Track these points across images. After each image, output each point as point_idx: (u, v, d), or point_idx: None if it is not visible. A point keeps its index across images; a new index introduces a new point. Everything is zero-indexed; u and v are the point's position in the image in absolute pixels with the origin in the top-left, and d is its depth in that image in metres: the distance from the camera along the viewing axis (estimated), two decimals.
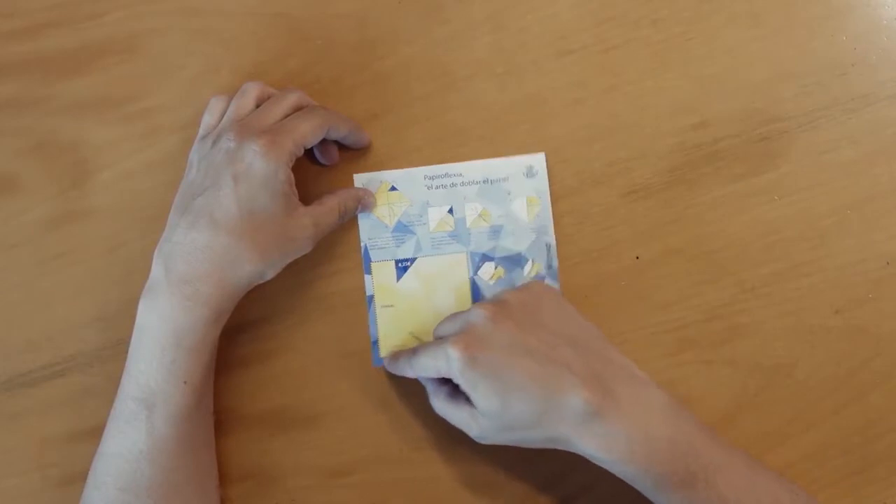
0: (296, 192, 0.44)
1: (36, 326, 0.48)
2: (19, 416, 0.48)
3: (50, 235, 0.49)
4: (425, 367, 0.42)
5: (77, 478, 0.46)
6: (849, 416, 0.48)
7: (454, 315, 0.44)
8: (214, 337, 0.43)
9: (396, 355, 0.46)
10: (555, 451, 0.47)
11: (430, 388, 0.44)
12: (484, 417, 0.41)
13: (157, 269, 0.42)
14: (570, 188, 0.50)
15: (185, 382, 0.41)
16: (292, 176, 0.43)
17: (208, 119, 0.47)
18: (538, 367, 0.40)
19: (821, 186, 0.50)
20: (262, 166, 0.41)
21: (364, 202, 0.48)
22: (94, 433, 0.47)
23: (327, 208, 0.46)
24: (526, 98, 0.51)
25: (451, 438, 0.47)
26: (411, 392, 0.48)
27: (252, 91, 0.46)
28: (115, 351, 0.48)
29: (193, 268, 0.41)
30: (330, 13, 0.52)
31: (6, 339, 0.48)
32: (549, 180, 0.50)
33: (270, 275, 0.43)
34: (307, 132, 0.43)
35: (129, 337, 0.48)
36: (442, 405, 0.43)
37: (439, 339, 0.43)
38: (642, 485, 0.41)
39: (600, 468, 0.45)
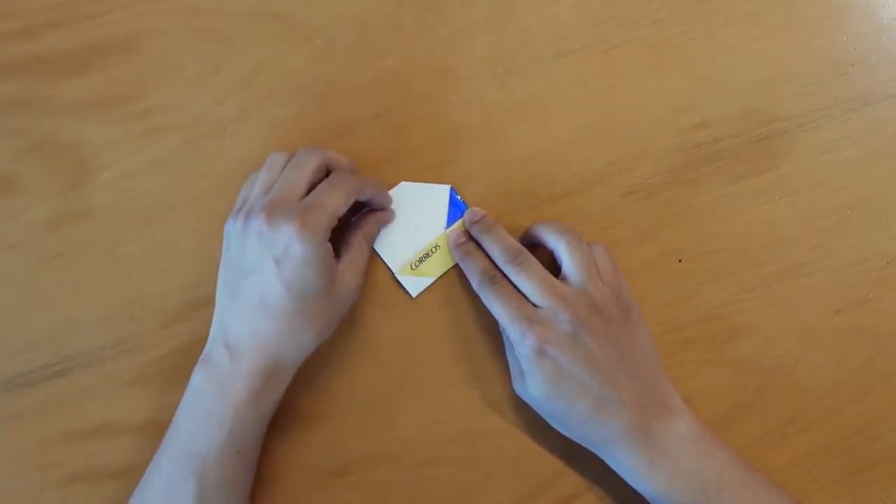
0: (332, 253, 0.43)
1: (36, 326, 0.48)
2: (19, 416, 0.47)
3: (50, 235, 0.49)
4: (496, 312, 0.44)
5: (77, 478, 0.47)
6: (849, 416, 0.48)
7: (545, 282, 0.43)
8: (272, 409, 0.43)
9: (484, 274, 0.45)
10: (552, 451, 0.47)
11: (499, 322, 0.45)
12: (527, 392, 0.43)
13: (216, 347, 0.42)
14: (570, 188, 0.50)
15: (237, 453, 0.42)
16: (330, 247, 0.42)
17: (245, 191, 0.46)
18: (595, 388, 0.42)
19: (821, 186, 0.50)
20: (300, 249, 0.40)
21: (384, 220, 0.48)
22: (94, 433, 0.47)
23: (357, 249, 0.45)
24: (526, 98, 0.51)
25: (451, 439, 0.47)
26: (411, 392, 0.48)
27: (279, 162, 0.45)
28: (115, 351, 0.48)
29: (254, 349, 0.41)
30: (330, 13, 0.52)
31: (6, 339, 0.48)
32: (548, 181, 0.50)
33: (327, 336, 0.44)
34: (339, 205, 0.43)
35: (129, 337, 0.48)
36: (507, 342, 0.46)
37: (523, 308, 0.43)
38: None
39: (596, 471, 0.45)
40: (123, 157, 0.50)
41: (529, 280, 0.44)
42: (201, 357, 0.43)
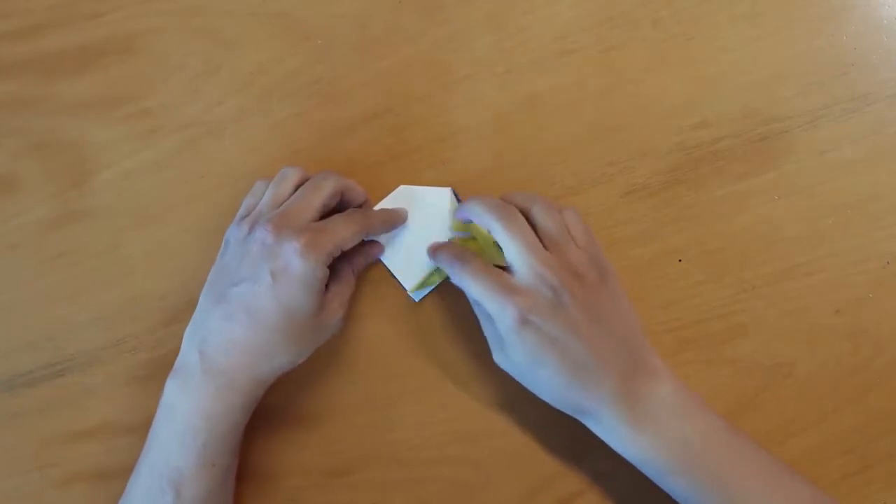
0: (327, 281, 0.43)
1: (36, 326, 0.48)
2: (19, 416, 0.48)
3: (50, 235, 0.49)
4: (471, 290, 0.42)
5: (77, 478, 0.47)
6: (849, 416, 0.48)
7: (520, 232, 0.42)
8: (245, 421, 0.43)
9: (455, 257, 0.44)
10: (552, 451, 0.47)
11: (472, 301, 0.45)
12: (509, 360, 0.42)
13: (190, 354, 0.42)
14: (570, 188, 0.50)
15: (213, 465, 0.41)
16: (328, 274, 0.42)
17: (250, 201, 0.46)
18: (578, 355, 0.41)
19: (821, 186, 0.50)
20: (300, 266, 0.40)
21: (373, 253, 0.48)
22: (94, 433, 0.47)
23: (345, 280, 0.45)
24: (526, 98, 0.51)
25: (451, 439, 0.47)
26: (411, 392, 0.48)
27: (291, 177, 0.46)
28: (115, 351, 0.48)
29: (229, 359, 0.41)
30: (330, 13, 0.52)
31: (6, 339, 0.48)
32: (548, 181, 0.50)
33: (303, 359, 0.44)
34: (347, 238, 0.43)
35: (129, 337, 0.48)
36: (483, 317, 0.44)
37: (499, 279, 0.41)
38: (649, 471, 0.42)
39: (596, 471, 0.45)
40: (123, 157, 0.50)
41: (514, 239, 0.42)
42: (175, 366, 0.43)
